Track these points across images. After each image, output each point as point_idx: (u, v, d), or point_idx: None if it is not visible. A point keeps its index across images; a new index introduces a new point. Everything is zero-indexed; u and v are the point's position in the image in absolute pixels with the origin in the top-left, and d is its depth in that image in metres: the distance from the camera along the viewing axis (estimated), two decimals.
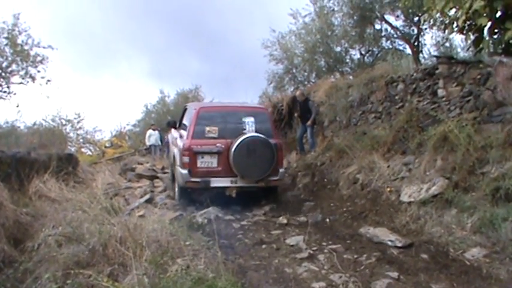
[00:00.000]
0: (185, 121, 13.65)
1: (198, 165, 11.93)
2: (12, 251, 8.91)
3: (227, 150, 11.93)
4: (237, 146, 11.79)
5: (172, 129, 15.35)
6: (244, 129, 12.25)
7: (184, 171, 11.89)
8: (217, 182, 11.99)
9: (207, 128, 12.17)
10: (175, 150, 13.23)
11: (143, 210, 11.41)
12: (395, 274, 6.93)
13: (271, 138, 12.25)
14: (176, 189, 12.87)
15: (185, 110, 14.73)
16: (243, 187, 12.23)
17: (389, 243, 8.26)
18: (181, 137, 12.98)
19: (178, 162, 12.45)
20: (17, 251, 8.97)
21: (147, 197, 13.09)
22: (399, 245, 8.12)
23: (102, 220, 8.92)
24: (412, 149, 10.82)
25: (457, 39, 20.39)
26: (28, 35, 25.23)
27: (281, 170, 12.57)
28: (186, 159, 11.88)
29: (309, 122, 15.71)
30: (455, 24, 10.90)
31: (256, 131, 12.27)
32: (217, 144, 11.99)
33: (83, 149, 30.87)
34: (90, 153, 30.27)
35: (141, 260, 7.01)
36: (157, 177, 16.08)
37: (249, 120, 12.39)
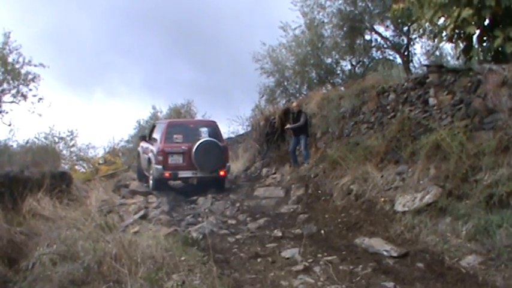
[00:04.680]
0: (155, 135, 17.58)
1: (169, 162, 15.88)
2: (6, 271, 8.87)
3: (190, 151, 15.86)
4: (197, 147, 15.72)
5: (143, 141, 18.83)
6: (201, 136, 16.09)
7: (160, 167, 15.77)
8: (183, 174, 16.11)
9: (175, 135, 16.21)
10: (150, 154, 16.84)
11: (138, 227, 11.37)
12: (391, 284, 6.94)
13: (220, 142, 16.42)
14: (151, 181, 16.53)
15: (154, 126, 18.90)
16: (201, 177, 16.21)
17: (385, 253, 8.27)
18: (153, 145, 16.96)
19: (154, 161, 16.17)
20: (11, 271, 8.94)
21: (141, 213, 13.04)
22: (395, 254, 8.13)
23: (96, 237, 8.92)
24: (405, 158, 10.84)
25: (447, 47, 20.43)
26: (19, 53, 25.26)
27: (228, 164, 16.93)
28: (160, 157, 15.82)
29: (289, 126, 16.78)
30: (444, 33, 10.99)
31: (209, 137, 16.12)
32: (183, 147, 16.01)
33: (76, 166, 30.68)
34: (83, 170, 30.07)
35: (136, 276, 7.00)
36: (151, 193, 16.05)
37: (204, 130, 16.41)
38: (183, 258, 8.03)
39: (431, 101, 11.03)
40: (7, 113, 26.13)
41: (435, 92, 10.97)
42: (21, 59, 25.37)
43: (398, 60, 21.87)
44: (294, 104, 17.25)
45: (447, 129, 9.81)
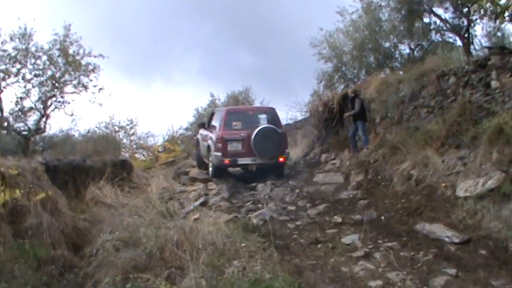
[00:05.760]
0: (214, 122, 17.86)
1: (229, 149, 16.09)
2: (72, 257, 9.14)
3: (248, 138, 16.06)
4: (256, 134, 15.91)
5: (202, 129, 19.20)
6: (259, 123, 16.30)
7: (219, 154, 15.99)
8: (242, 161, 16.34)
9: (234, 123, 16.45)
10: (209, 142, 17.08)
11: (198, 213, 11.52)
12: (453, 271, 6.86)
13: (279, 129, 16.56)
14: (210, 168, 16.83)
15: (213, 113, 19.14)
16: (260, 163, 16.51)
17: (446, 239, 8.17)
18: (212, 132, 17.21)
19: (213, 148, 16.39)
20: (76, 257, 9.19)
21: (201, 200, 13.20)
22: (456, 241, 8.02)
23: (158, 224, 9.08)
24: (467, 142, 10.63)
25: (509, 28, 19.92)
26: (79, 45, 25.65)
27: (286, 151, 17.04)
28: (219, 145, 16.04)
29: (346, 114, 17.09)
30: (506, 13, 10.71)
31: (268, 124, 16.32)
32: (242, 134, 16.22)
33: (136, 155, 31.06)
34: (143, 158, 30.43)
35: (197, 262, 7.11)
36: (211, 180, 16.20)
37: (263, 116, 16.70)
38: (243, 244, 8.10)
39: (494, 83, 10.80)
40: (69, 103, 26.54)
41: (497, 74, 10.74)
42: (81, 51, 25.74)
43: (458, 42, 21.41)
44: (350, 90, 17.23)
45: (510, 112, 9.58)
